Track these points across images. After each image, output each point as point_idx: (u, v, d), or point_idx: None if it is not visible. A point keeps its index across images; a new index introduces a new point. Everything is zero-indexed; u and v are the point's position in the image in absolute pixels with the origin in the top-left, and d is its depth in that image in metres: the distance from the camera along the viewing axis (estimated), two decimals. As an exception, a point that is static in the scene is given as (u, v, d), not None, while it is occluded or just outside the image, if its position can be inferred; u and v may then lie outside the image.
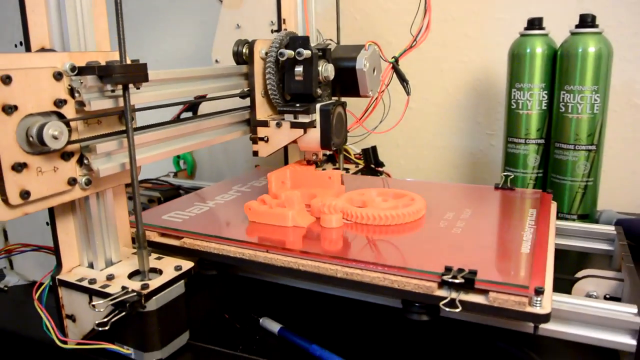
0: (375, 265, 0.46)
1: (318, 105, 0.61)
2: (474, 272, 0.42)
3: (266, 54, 0.63)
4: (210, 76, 0.59)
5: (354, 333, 0.52)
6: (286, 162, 0.86)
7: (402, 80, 0.69)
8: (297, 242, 0.53)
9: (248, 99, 0.64)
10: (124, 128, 0.47)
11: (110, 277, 0.47)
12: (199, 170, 1.03)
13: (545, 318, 0.38)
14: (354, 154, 0.93)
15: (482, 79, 0.99)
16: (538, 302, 0.38)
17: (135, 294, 0.44)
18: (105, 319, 0.43)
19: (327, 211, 0.56)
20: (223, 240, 0.54)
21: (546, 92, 0.75)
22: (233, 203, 0.67)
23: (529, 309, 0.39)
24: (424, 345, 0.50)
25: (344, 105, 0.64)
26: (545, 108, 0.76)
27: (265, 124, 0.62)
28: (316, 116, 0.61)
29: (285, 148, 0.86)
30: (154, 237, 0.57)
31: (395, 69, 0.69)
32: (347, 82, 0.66)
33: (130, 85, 0.44)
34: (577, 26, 0.72)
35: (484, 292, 0.42)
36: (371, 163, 0.89)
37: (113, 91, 0.44)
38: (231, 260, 0.52)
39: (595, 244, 0.63)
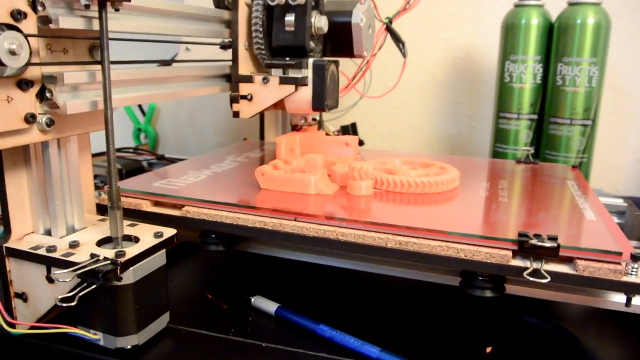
0: (434, 232, 0.39)
1: (311, 60, 0.54)
2: (554, 238, 0.36)
3: (252, -1, 0.56)
4: (194, 16, 0.51)
5: (362, 310, 0.46)
6: (262, 135, 0.78)
7: (398, 41, 0.63)
8: (327, 210, 0.45)
9: (228, 52, 0.56)
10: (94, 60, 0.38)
11: (74, 245, 0.38)
12: (162, 145, 0.94)
13: None
14: (333, 132, 0.87)
15: (464, 58, 0.95)
16: (635, 270, 0.34)
17: (109, 262, 0.35)
18: (71, 294, 0.34)
19: (357, 176, 0.49)
20: (238, 208, 0.45)
21: (541, 65, 0.72)
22: (235, 171, 0.59)
23: (625, 279, 0.34)
24: (444, 323, 0.44)
25: (337, 63, 0.58)
26: (540, 82, 0.73)
27: (249, 79, 0.55)
28: (308, 72, 0.54)
29: (262, 119, 0.78)
30: (146, 206, 0.48)
31: (390, 29, 0.64)
32: (340, 38, 0.60)
33: (108, 5, 0.35)
34: (576, -4, 0.69)
35: (568, 260, 0.37)
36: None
37: (88, 6, 0.35)
38: (248, 231, 0.44)
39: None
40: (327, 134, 0.62)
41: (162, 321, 0.41)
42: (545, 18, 0.72)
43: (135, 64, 0.44)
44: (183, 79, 0.50)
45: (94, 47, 0.39)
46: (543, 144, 0.74)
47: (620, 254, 0.35)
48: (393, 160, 0.58)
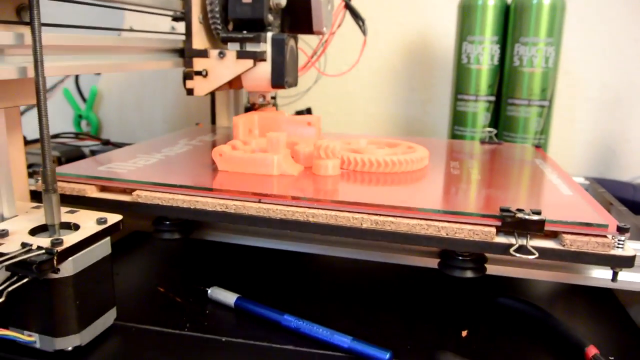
0: (412, 210, 0.37)
1: (269, 34, 0.51)
2: (538, 212, 0.35)
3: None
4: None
5: (331, 298, 0.43)
6: (214, 119, 0.74)
7: (358, 18, 0.61)
8: (292, 191, 0.41)
9: (179, 24, 0.52)
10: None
11: (3, 234, 0.33)
12: (105, 133, 0.87)
13: (630, 261, 0.32)
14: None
15: (418, 42, 0.94)
16: (621, 243, 0.32)
17: (43, 251, 0.31)
18: (-4, 290, 0.29)
19: (323, 155, 0.46)
20: (196, 190, 0.41)
21: (498, 45, 0.72)
22: (189, 154, 0.54)
23: (612, 252, 0.33)
24: (420, 308, 0.42)
25: (296, 39, 0.55)
26: (497, 63, 0.72)
27: (204, 54, 0.51)
28: (267, 47, 0.51)
29: (213, 103, 0.74)
30: (91, 191, 0.43)
31: (349, 6, 0.61)
32: (299, 13, 0.56)
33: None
34: (531, -24, 0.69)
35: (553, 235, 0.35)
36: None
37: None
38: (208, 215, 0.40)
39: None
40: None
41: (109, 318, 0.37)
42: (501, -1, 0.71)
43: (73, 29, 0.39)
44: (130, 50, 0.46)
45: (22, 9, 0.34)
46: (501, 125, 0.74)
47: (606, 226, 0.34)
48: (358, 140, 0.56)
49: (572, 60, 0.83)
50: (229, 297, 0.41)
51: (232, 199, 0.40)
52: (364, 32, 0.60)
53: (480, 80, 0.73)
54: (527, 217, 0.35)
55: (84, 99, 0.92)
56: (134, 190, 0.43)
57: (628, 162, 0.88)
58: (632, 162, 0.88)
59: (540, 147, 0.65)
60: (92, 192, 0.44)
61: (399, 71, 0.96)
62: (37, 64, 0.31)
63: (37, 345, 0.33)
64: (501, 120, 0.74)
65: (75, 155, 0.66)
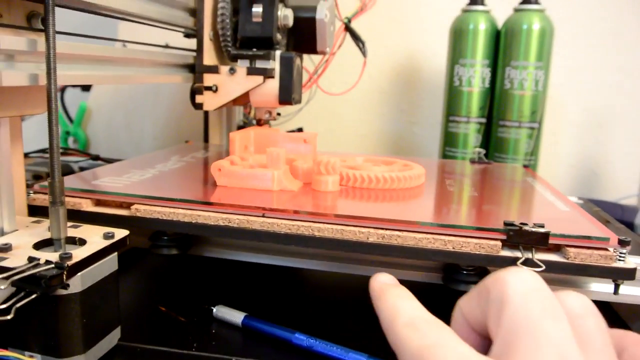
0: (417, 225, 0.37)
1: (278, 52, 0.51)
2: (542, 226, 0.35)
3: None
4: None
5: (339, 315, 0.42)
6: (206, 137, 0.73)
7: (358, 40, 0.61)
8: (293, 206, 0.41)
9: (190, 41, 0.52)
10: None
11: (5, 248, 0.31)
12: (93, 150, 0.85)
13: (631, 274, 0.33)
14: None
15: (406, 65, 0.96)
16: (623, 256, 0.33)
17: (52, 265, 0.29)
18: (5, 305, 0.28)
19: (323, 171, 0.45)
20: (197, 205, 0.40)
21: (489, 69, 0.73)
22: (184, 170, 0.53)
23: (615, 264, 0.33)
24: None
25: (301, 58, 0.55)
26: (488, 86, 0.74)
27: (214, 69, 0.51)
28: (275, 65, 0.51)
29: (206, 121, 0.73)
30: (86, 206, 0.42)
31: (349, 28, 0.62)
32: (304, 34, 0.57)
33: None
34: (521, 3, 0.71)
35: (556, 249, 0.36)
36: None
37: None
38: (209, 230, 0.39)
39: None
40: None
41: (113, 338, 0.35)
42: (492, 24, 0.73)
43: (84, 38, 0.38)
44: (140, 63, 0.45)
45: (33, 16, 0.33)
46: (492, 146, 0.75)
47: (607, 239, 0.35)
48: (354, 157, 0.56)
49: (554, 85, 0.86)
50: (235, 316, 0.39)
51: (235, 214, 0.40)
52: (364, 53, 0.61)
53: (471, 103, 0.74)
54: (532, 229, 0.35)
55: (70, 120, 0.89)
56: (131, 204, 0.42)
57: (610, 184, 0.91)
58: (613, 184, 0.91)
59: (528, 167, 0.66)
60: (88, 206, 0.42)
61: (387, 92, 0.97)
62: (50, 71, 0.30)
63: (39, 368, 0.31)
64: (492, 142, 0.75)
65: (64, 171, 0.64)
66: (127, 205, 0.42)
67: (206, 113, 0.71)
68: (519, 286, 0.18)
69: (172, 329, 0.39)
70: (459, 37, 0.74)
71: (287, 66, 0.50)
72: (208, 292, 0.45)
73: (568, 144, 0.90)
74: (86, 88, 0.86)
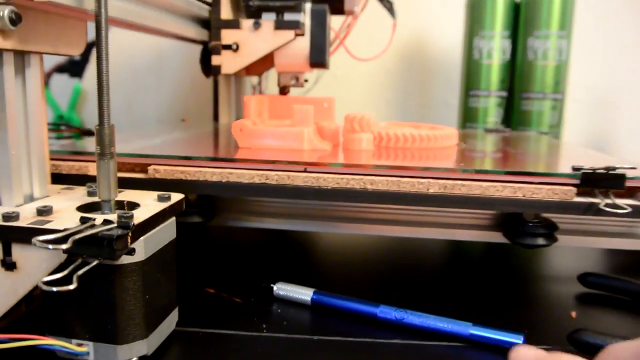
0: (480, 173, 0.33)
1: (308, 5, 0.46)
2: (613, 168, 0.32)
3: None
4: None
5: (404, 282, 0.38)
6: (216, 115, 0.67)
7: (386, 1, 0.57)
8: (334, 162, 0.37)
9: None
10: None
11: (45, 210, 0.25)
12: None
13: None
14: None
15: (413, 46, 0.92)
16: None
17: (114, 225, 0.23)
18: (60, 275, 0.22)
19: (357, 128, 0.41)
20: (226, 162, 0.35)
21: (509, 40, 0.70)
22: (196, 136, 0.48)
23: None
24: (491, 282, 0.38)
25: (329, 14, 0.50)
26: (509, 58, 0.71)
27: (235, 24, 0.45)
28: (305, 18, 0.46)
29: (216, 100, 0.67)
30: (93, 170, 0.36)
31: (374, -13, 0.58)
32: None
33: None
34: (542, -29, 0.69)
35: (628, 193, 0.33)
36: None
37: None
38: (244, 190, 0.34)
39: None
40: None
41: (172, 321, 0.29)
42: (510, -7, 0.70)
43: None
44: (158, 9, 0.39)
45: None
46: (515, 120, 0.72)
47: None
48: (378, 122, 0.51)
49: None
50: (302, 293, 0.34)
51: (274, 170, 0.35)
52: (392, 15, 0.57)
53: (491, 75, 0.71)
54: (607, 172, 0.32)
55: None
56: (147, 165, 0.36)
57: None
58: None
59: (547, 133, 0.66)
60: (95, 170, 0.36)
61: (393, 75, 0.93)
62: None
63: (91, 358, 0.25)
64: (514, 115, 0.72)
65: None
66: (142, 168, 0.37)
67: (216, 91, 0.65)
68: None
69: (226, 311, 0.33)
70: (477, 9, 0.71)
71: (319, 20, 0.45)
72: (248, 266, 0.40)
73: (573, 121, 0.88)
74: (76, 73, 0.79)
